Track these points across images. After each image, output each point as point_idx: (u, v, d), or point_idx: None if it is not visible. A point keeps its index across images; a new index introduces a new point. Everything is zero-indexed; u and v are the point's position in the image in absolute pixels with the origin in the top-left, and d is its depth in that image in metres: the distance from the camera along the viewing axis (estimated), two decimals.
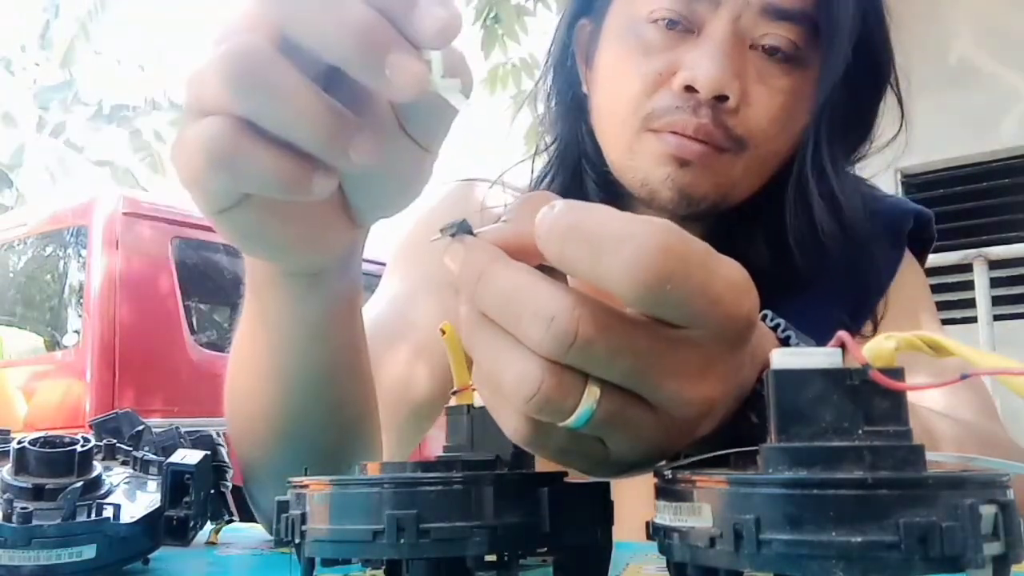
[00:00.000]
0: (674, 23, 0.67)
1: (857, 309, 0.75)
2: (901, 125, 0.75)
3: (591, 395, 0.29)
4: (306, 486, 0.33)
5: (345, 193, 0.41)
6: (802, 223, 0.70)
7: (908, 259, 0.79)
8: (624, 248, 0.27)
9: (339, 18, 0.32)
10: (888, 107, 0.74)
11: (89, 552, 0.41)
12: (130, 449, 0.53)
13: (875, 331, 0.74)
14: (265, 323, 0.49)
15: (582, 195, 0.74)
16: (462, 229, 0.32)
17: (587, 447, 0.32)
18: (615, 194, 0.73)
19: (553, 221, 0.29)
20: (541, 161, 0.81)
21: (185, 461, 0.49)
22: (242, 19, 0.34)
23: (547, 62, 0.79)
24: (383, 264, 0.86)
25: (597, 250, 0.28)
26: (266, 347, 0.50)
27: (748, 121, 0.66)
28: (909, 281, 0.78)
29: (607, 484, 0.36)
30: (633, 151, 0.69)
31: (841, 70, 0.66)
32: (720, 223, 0.72)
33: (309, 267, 0.44)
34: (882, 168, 0.80)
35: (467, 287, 0.31)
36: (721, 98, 0.65)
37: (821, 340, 0.35)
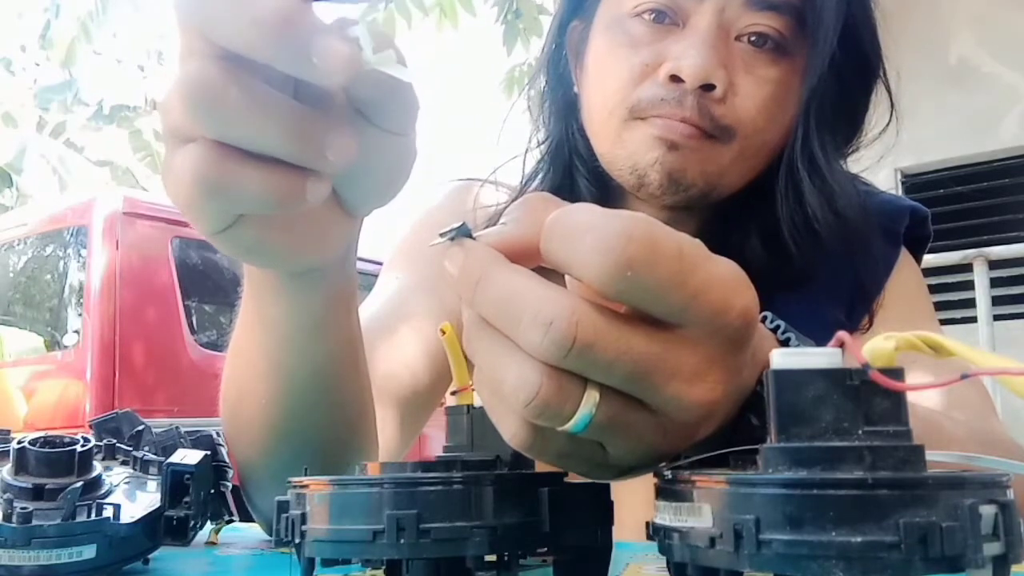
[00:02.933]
0: (661, 16, 0.68)
1: (854, 307, 0.75)
2: (890, 119, 0.75)
3: (590, 399, 0.29)
4: (306, 486, 0.33)
5: (336, 191, 0.41)
6: (795, 212, 0.70)
7: (905, 257, 0.79)
8: (590, 235, 0.28)
9: (251, 15, 0.31)
10: (883, 101, 0.74)
11: (89, 552, 0.41)
12: (130, 449, 0.53)
13: (870, 326, 0.74)
14: (264, 323, 0.49)
15: (573, 192, 0.75)
16: (461, 232, 0.32)
17: (586, 451, 0.32)
18: (606, 191, 0.73)
19: (547, 221, 0.30)
20: (532, 159, 0.81)
21: (185, 461, 0.49)
22: (184, 37, 0.34)
23: (540, 64, 0.80)
24: (380, 264, 0.86)
25: (571, 239, 0.29)
26: (265, 347, 0.50)
27: (736, 111, 0.66)
28: (906, 279, 0.78)
29: (607, 484, 0.36)
30: (622, 139, 0.69)
31: (827, 59, 0.66)
32: (714, 219, 0.72)
33: (312, 265, 0.44)
34: (879, 166, 0.80)
35: (466, 291, 0.31)
36: (707, 87, 0.65)
37: (818, 338, 0.35)
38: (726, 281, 0.29)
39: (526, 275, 0.30)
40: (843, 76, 0.69)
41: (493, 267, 0.30)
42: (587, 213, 0.29)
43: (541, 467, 0.36)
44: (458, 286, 0.31)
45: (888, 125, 0.75)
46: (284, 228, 0.39)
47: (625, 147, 0.69)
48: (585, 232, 0.28)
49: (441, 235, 0.32)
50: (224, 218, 0.37)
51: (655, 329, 0.29)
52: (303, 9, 0.32)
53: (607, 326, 0.28)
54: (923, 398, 0.65)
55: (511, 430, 0.32)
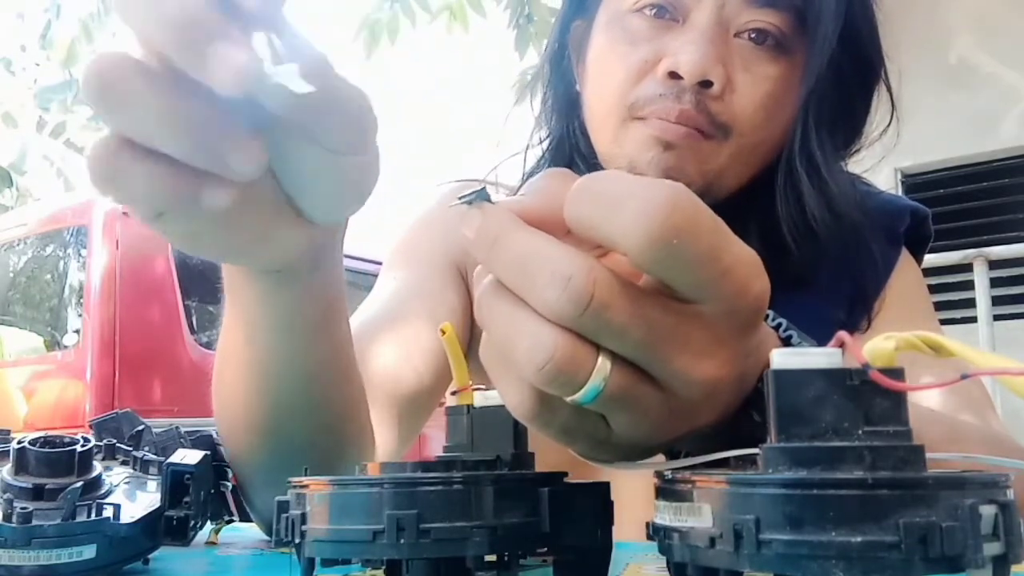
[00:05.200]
0: (661, 12, 0.68)
1: (854, 307, 0.75)
2: (891, 119, 0.75)
3: (602, 368, 0.29)
4: (306, 486, 0.33)
5: (289, 195, 0.39)
6: (793, 211, 0.70)
7: (905, 257, 0.79)
8: (633, 201, 0.28)
9: (160, 9, 0.31)
10: (884, 101, 0.74)
11: (89, 552, 0.41)
12: (130, 449, 0.53)
13: (868, 327, 0.74)
14: (243, 321, 0.49)
15: None
16: (480, 197, 0.32)
17: (590, 427, 0.32)
18: None
19: (574, 186, 0.30)
20: (533, 157, 0.81)
21: (185, 461, 0.49)
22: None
23: (543, 62, 0.80)
24: (381, 264, 0.86)
25: (607, 205, 0.29)
26: (245, 345, 0.49)
27: (734, 108, 0.66)
28: (906, 279, 0.78)
29: (607, 484, 0.36)
30: (619, 139, 0.69)
31: (826, 56, 0.66)
32: None
33: (269, 265, 0.44)
34: (879, 166, 0.80)
35: (482, 252, 0.31)
36: (705, 84, 0.65)
37: (818, 338, 0.35)
38: (749, 263, 0.30)
39: (544, 237, 0.30)
40: (843, 75, 0.69)
41: (511, 228, 0.30)
42: (624, 180, 0.29)
43: (541, 466, 0.36)
44: (474, 247, 0.31)
45: (888, 126, 0.75)
46: (222, 224, 0.38)
47: (622, 147, 0.69)
48: (626, 198, 0.28)
49: (460, 199, 0.32)
50: (143, 211, 0.36)
51: (670, 300, 0.30)
52: (210, 12, 0.31)
53: (624, 289, 0.29)
54: (923, 398, 0.65)
55: (517, 399, 0.32)
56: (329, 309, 0.50)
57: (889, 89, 0.73)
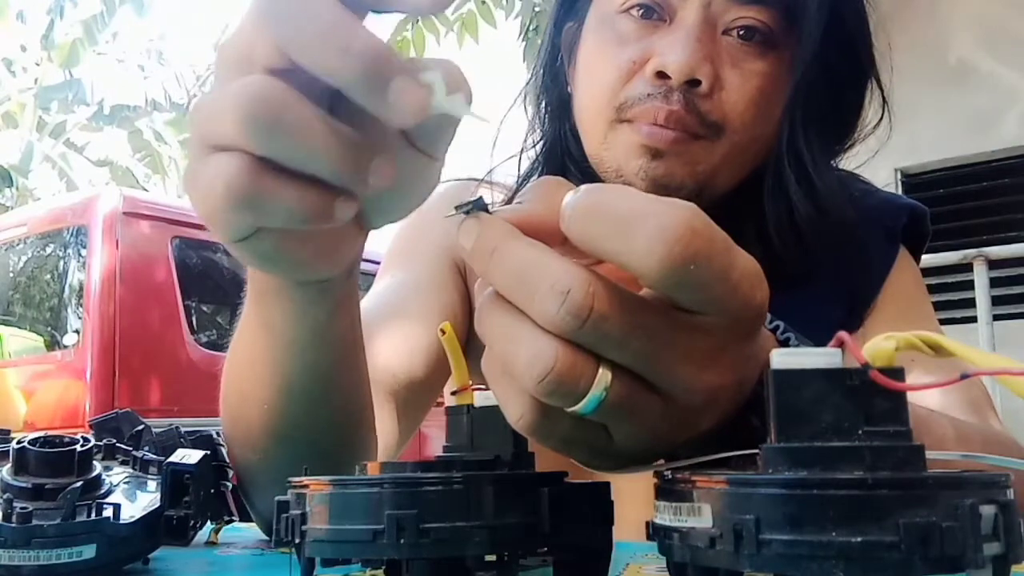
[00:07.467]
0: (648, 12, 0.68)
1: (852, 307, 0.75)
2: (882, 115, 0.75)
3: (603, 379, 0.29)
4: (306, 486, 0.33)
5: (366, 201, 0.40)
6: (781, 209, 0.69)
7: (903, 255, 0.79)
8: (649, 225, 0.28)
9: (343, 46, 0.31)
10: (878, 98, 0.74)
11: (89, 552, 0.41)
12: (130, 449, 0.53)
13: (862, 325, 0.74)
14: (268, 328, 0.48)
15: None
16: (477, 207, 0.32)
17: (591, 436, 0.32)
18: None
19: (578, 200, 0.30)
20: (527, 160, 0.81)
21: (185, 461, 0.49)
22: (245, 45, 0.33)
23: (536, 65, 0.80)
24: (379, 263, 0.86)
25: (621, 227, 0.28)
26: (267, 351, 0.49)
27: (723, 106, 0.66)
28: (904, 277, 0.78)
29: (607, 484, 0.36)
30: (608, 142, 0.69)
31: (812, 51, 0.66)
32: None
33: (320, 277, 0.44)
34: (878, 165, 0.80)
35: (480, 263, 0.31)
36: (693, 83, 0.65)
37: (817, 338, 0.35)
38: (752, 274, 0.30)
39: (541, 248, 0.30)
40: (832, 71, 0.68)
41: (509, 239, 0.30)
42: (634, 198, 0.29)
43: (541, 466, 0.36)
44: (472, 259, 0.31)
45: (880, 122, 0.75)
46: (301, 240, 0.39)
47: (611, 150, 0.69)
48: (640, 219, 0.28)
49: (456, 208, 0.32)
50: (247, 229, 0.37)
51: (671, 310, 0.29)
52: (391, 51, 0.32)
53: (623, 300, 0.29)
54: (923, 398, 0.65)
55: (518, 411, 0.32)
56: (349, 313, 0.50)
57: (880, 85, 0.73)
